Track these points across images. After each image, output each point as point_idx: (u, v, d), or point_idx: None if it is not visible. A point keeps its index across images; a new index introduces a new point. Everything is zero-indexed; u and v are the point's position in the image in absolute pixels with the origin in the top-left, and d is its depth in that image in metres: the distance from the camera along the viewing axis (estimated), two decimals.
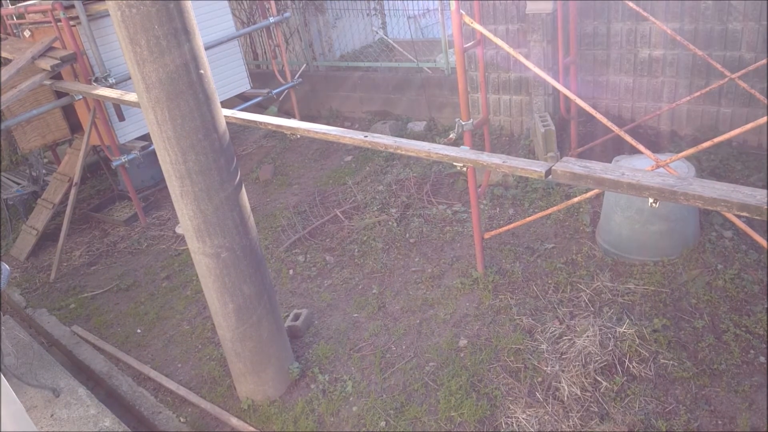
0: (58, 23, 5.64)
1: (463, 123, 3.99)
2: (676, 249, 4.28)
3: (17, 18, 6.29)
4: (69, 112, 6.59)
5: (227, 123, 3.37)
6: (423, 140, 6.41)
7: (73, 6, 5.54)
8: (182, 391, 4.13)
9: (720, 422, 3.20)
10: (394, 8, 8.40)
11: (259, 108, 8.13)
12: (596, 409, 3.35)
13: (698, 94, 5.00)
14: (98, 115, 5.94)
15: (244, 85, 7.24)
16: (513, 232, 4.94)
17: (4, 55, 6.00)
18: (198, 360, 4.41)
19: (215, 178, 3.17)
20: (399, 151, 3.17)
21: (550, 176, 2.70)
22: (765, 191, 2.19)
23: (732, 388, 3.34)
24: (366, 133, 3.31)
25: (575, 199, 3.99)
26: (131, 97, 4.52)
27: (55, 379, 4.27)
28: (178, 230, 6.15)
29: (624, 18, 5.48)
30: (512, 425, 3.37)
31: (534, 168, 2.74)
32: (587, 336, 3.68)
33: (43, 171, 7.22)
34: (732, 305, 3.84)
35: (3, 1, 7.15)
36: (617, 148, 5.35)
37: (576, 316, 3.95)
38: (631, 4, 4.63)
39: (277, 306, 3.81)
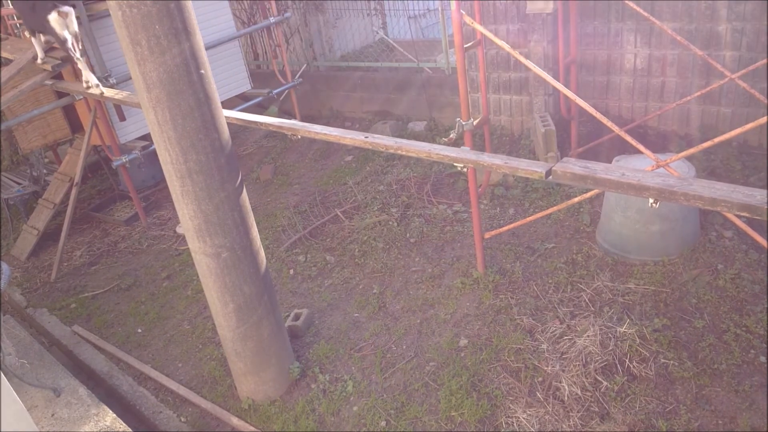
0: None
1: (464, 123, 4.00)
2: (677, 249, 4.29)
3: (18, 18, 6.29)
4: (70, 112, 6.60)
5: (227, 123, 3.37)
6: (423, 140, 6.44)
7: (73, 6, 5.53)
8: (183, 391, 4.13)
9: (720, 422, 3.20)
10: (394, 8, 8.40)
11: (260, 108, 8.13)
12: (597, 409, 3.35)
13: (698, 94, 5.00)
14: (99, 114, 5.94)
15: (244, 85, 7.24)
16: (513, 232, 4.94)
17: (4, 55, 6.00)
18: (198, 360, 4.42)
19: (216, 177, 3.18)
20: (400, 152, 3.17)
21: (551, 177, 2.70)
22: (765, 191, 2.19)
23: (732, 388, 3.34)
24: (366, 134, 3.31)
25: (575, 199, 3.99)
26: (131, 97, 4.52)
27: (56, 379, 4.27)
28: (179, 230, 6.16)
29: (624, 18, 5.48)
30: (513, 425, 3.37)
31: (535, 169, 2.74)
32: (588, 336, 3.68)
33: (44, 171, 7.24)
34: (732, 305, 3.84)
35: (3, 1, 7.15)
36: (618, 148, 5.34)
37: (576, 315, 3.95)
38: (631, 4, 4.63)
39: (278, 306, 3.81)
